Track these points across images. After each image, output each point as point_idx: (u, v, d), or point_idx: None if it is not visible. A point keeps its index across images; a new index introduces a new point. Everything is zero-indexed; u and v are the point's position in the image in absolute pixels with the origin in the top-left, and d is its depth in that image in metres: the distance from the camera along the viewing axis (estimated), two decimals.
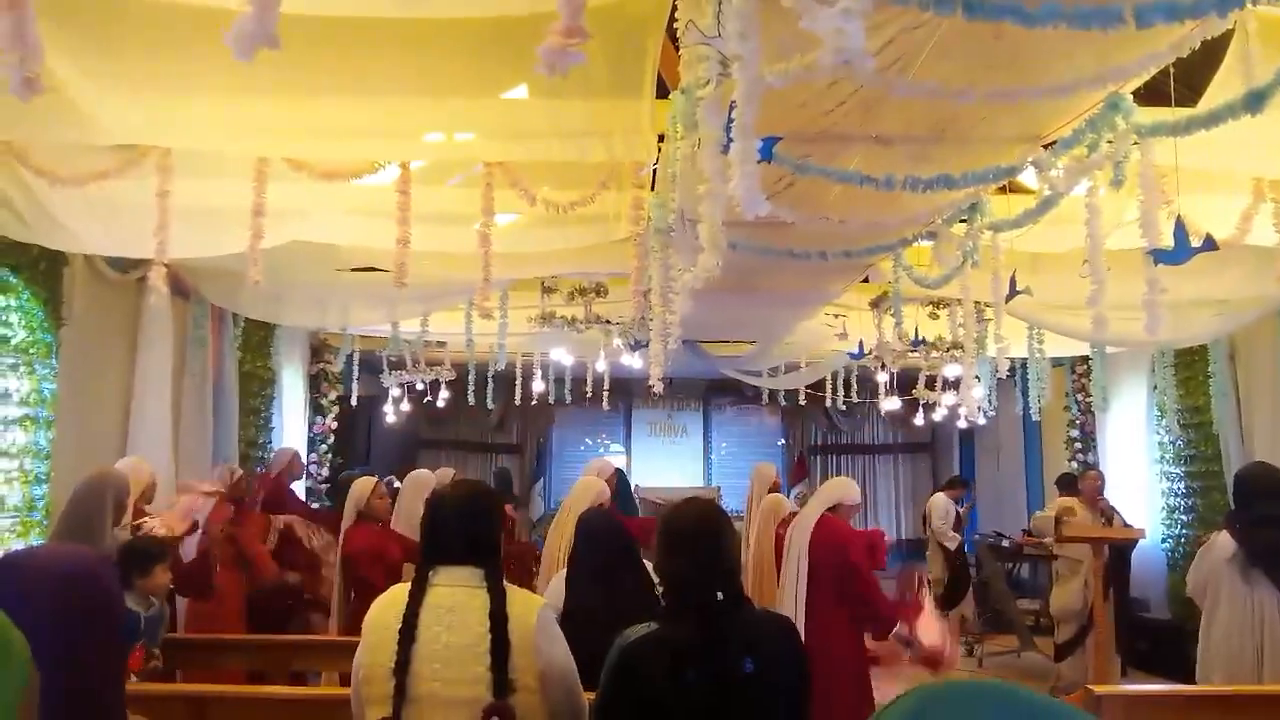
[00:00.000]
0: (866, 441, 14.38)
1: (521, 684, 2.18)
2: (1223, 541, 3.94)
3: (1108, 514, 7.10)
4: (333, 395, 9.73)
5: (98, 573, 1.75)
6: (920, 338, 7.17)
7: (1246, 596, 3.79)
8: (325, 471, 9.50)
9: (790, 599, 4.31)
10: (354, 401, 9.27)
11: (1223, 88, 3.07)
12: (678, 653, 2.15)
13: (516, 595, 2.30)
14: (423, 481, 5.80)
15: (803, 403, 11.16)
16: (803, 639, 4.02)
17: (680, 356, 8.14)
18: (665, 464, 13.71)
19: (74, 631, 1.65)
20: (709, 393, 14.08)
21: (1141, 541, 6.84)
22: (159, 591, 3.70)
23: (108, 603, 1.75)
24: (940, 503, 9.34)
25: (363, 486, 5.03)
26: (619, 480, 7.85)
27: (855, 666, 4.32)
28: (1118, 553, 6.70)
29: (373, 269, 5.95)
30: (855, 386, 9.98)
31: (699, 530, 2.32)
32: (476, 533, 2.36)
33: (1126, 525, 7.19)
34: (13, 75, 1.48)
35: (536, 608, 2.31)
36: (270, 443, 8.05)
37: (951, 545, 9.13)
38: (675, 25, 2.43)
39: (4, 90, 1.55)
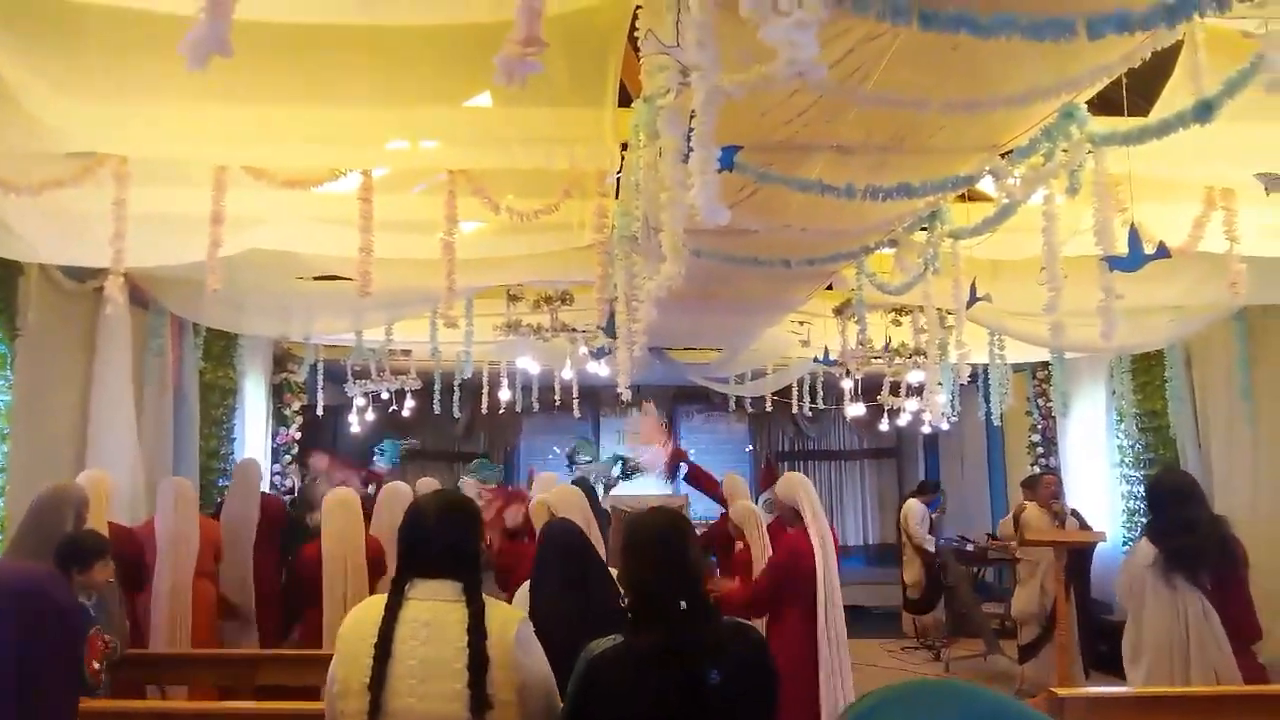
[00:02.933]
0: (833, 447, 14.46)
1: (499, 699, 2.15)
2: (1143, 548, 4.01)
3: (1062, 516, 7.20)
4: (296, 405, 9.63)
5: (48, 589, 1.72)
6: (888, 342, 7.25)
7: (1170, 600, 3.85)
8: (289, 482, 9.39)
9: (839, 613, 4.33)
10: (319, 411, 9.18)
11: (1173, 97, 3.13)
12: (644, 663, 2.15)
13: (495, 609, 2.27)
14: (402, 493, 5.79)
15: (770, 409, 11.21)
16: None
17: (647, 364, 8.15)
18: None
19: (27, 648, 1.62)
20: (676, 400, 14.09)
21: (1102, 544, 6.93)
22: (97, 587, 3.68)
23: (60, 618, 1.72)
24: (916, 508, 9.50)
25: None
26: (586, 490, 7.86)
27: None
28: (1077, 555, 6.78)
29: (336, 277, 5.91)
30: (821, 393, 10.04)
31: (663, 540, 2.31)
32: (457, 545, 2.32)
33: (1085, 527, 7.29)
34: None
35: (516, 621, 2.28)
36: (233, 454, 7.95)
37: (930, 548, 9.25)
38: (636, 34, 2.44)
39: None
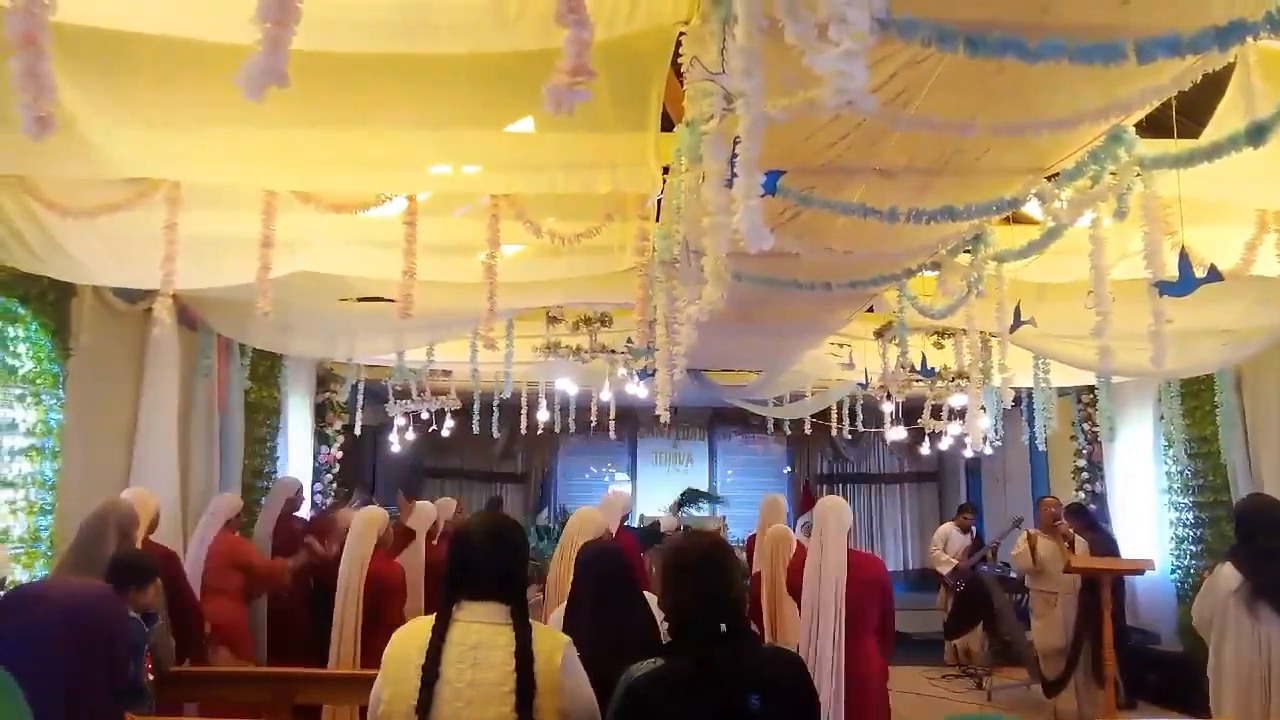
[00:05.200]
0: (873, 471, 14.33)
1: None
2: (1227, 573, 3.93)
3: (1069, 538, 6.97)
4: (338, 424, 9.73)
5: (106, 606, 1.75)
6: (929, 366, 7.18)
7: (1253, 629, 3.77)
8: (330, 501, 9.48)
9: (829, 635, 4.28)
10: (358, 431, 9.26)
11: (1225, 120, 3.08)
12: (683, 688, 2.14)
13: (541, 633, 2.28)
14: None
15: (808, 432, 11.13)
16: (843, 673, 4.10)
17: (686, 385, 8.15)
18: (671, 493, 13.67)
19: (80, 663, 1.64)
20: (714, 421, 14.06)
21: (1150, 573, 6.78)
22: (149, 608, 3.73)
23: (113, 635, 1.75)
24: (940, 531, 9.50)
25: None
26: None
27: (885, 695, 4.48)
28: (1090, 583, 6.59)
29: (379, 299, 5.98)
30: (861, 416, 9.96)
31: (702, 563, 2.30)
32: (505, 567, 2.33)
33: (1107, 551, 7.09)
34: (25, 114, 1.50)
35: (562, 645, 2.28)
36: (275, 472, 8.05)
37: (944, 570, 9.20)
38: (680, 60, 2.46)
39: (16, 127, 1.57)
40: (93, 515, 4.06)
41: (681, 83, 2.49)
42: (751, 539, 6.81)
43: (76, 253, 4.33)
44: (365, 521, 4.94)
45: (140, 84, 3.19)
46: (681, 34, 2.45)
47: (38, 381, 4.96)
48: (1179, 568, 8.15)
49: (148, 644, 3.44)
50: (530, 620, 2.27)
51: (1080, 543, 6.90)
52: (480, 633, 2.22)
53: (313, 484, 9.36)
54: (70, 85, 3.08)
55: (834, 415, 10.11)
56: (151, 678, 3.34)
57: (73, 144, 3.28)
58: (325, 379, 9.60)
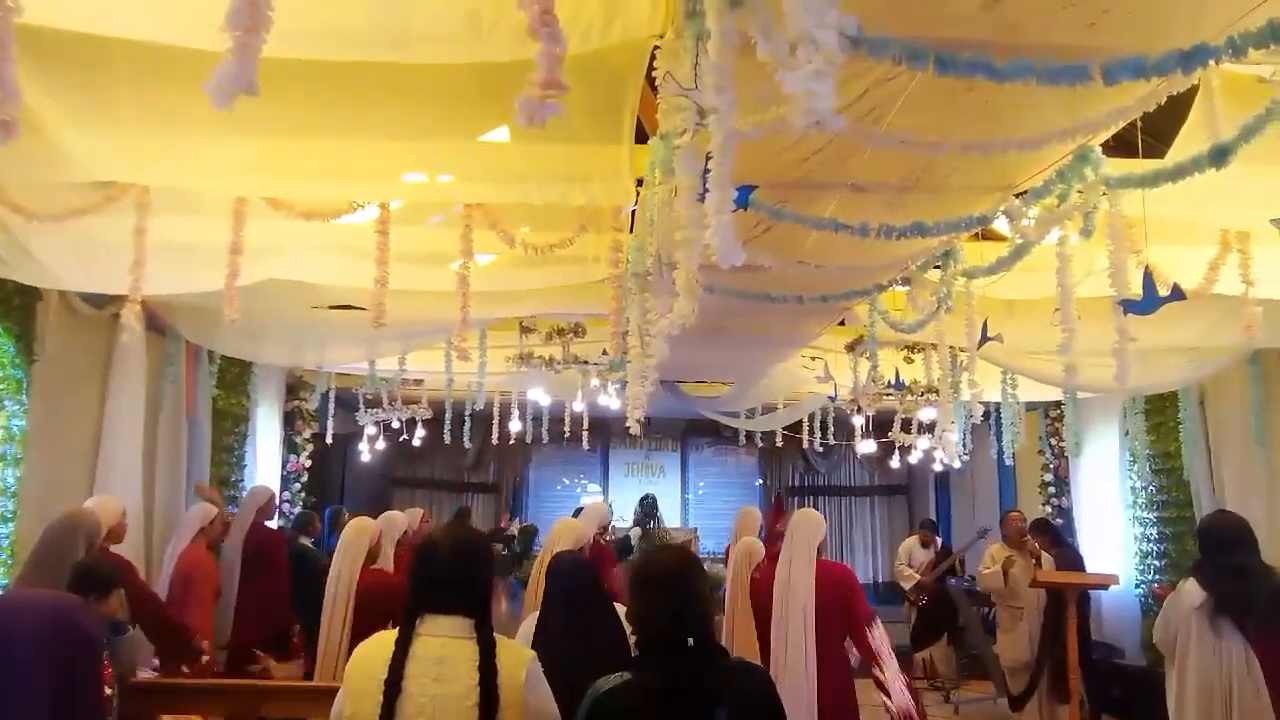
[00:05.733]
0: (843, 483, 14.39)
1: None
2: (1190, 589, 3.97)
3: (1036, 554, 6.94)
4: (307, 433, 9.65)
5: (80, 617, 1.72)
6: (900, 380, 7.23)
7: (1214, 645, 3.82)
8: (298, 510, 9.38)
9: (799, 647, 4.28)
10: (329, 439, 9.19)
11: (1189, 141, 3.14)
12: (649, 703, 2.13)
13: (506, 647, 2.26)
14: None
15: (780, 444, 11.19)
16: (815, 687, 4.09)
17: (658, 397, 8.15)
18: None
19: (58, 676, 1.61)
20: (687, 433, 14.08)
21: (1115, 587, 6.84)
22: (112, 615, 3.67)
23: (89, 646, 1.71)
24: (904, 546, 9.90)
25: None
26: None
27: (855, 708, 4.44)
28: (1055, 597, 6.63)
29: (350, 307, 5.95)
30: (832, 428, 10.02)
31: (671, 577, 2.30)
32: (470, 581, 2.31)
33: (1072, 566, 7.14)
34: None
35: (526, 660, 2.27)
36: (243, 480, 7.96)
37: (907, 585, 9.33)
38: (654, 73, 2.47)
39: None
40: (57, 525, 4.00)
41: (656, 95, 2.50)
42: (729, 550, 6.82)
43: (43, 257, 4.28)
44: (356, 530, 4.89)
45: (111, 88, 3.16)
46: (656, 48, 2.46)
47: (1, 387, 4.88)
48: (1143, 582, 8.24)
49: (107, 653, 3.38)
50: (495, 635, 2.25)
51: (1046, 558, 6.94)
52: (444, 647, 2.20)
53: (281, 492, 9.27)
54: (39, 89, 3.05)
55: (805, 427, 10.16)
56: (110, 691, 3.27)
57: (40, 147, 3.24)
58: (295, 386, 9.52)
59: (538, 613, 3.34)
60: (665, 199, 2.68)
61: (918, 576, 9.44)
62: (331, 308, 6.11)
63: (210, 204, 4.05)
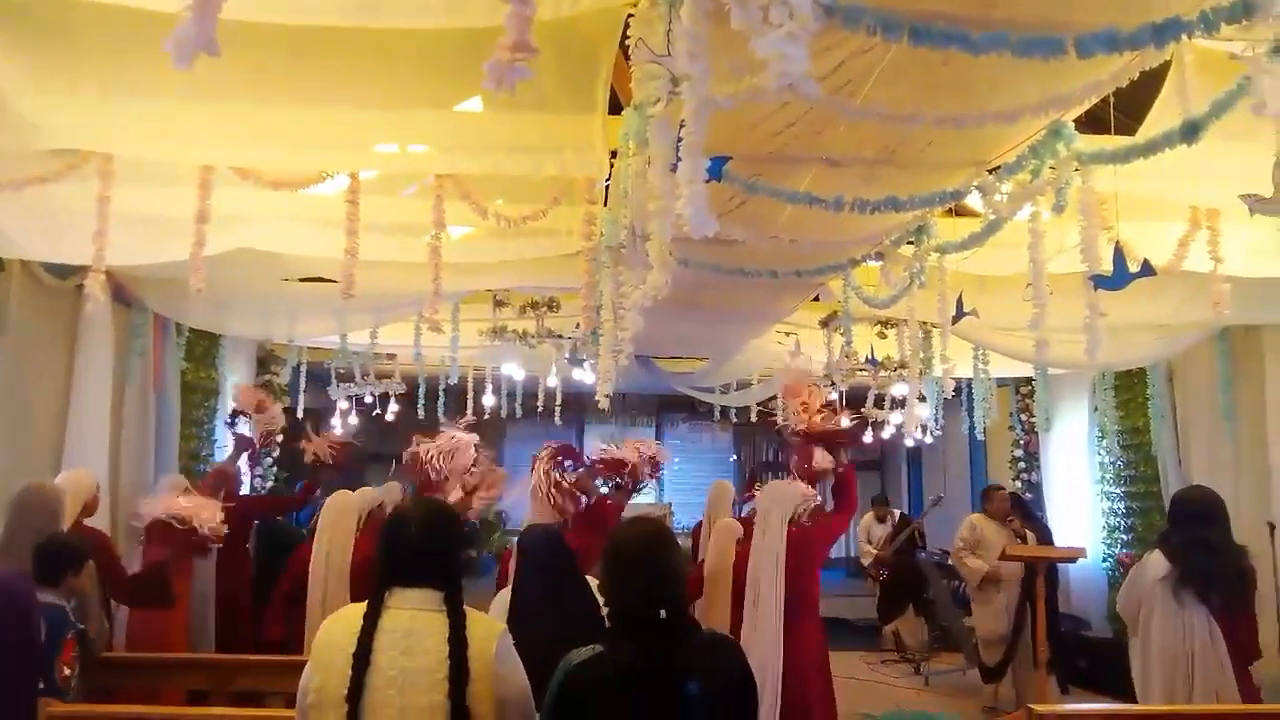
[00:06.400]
0: None
1: (478, 711, 2.13)
2: (1155, 561, 4.03)
3: (1021, 533, 7.05)
4: (278, 407, 9.55)
5: (15, 590, 1.68)
6: (873, 356, 7.26)
7: (1177, 615, 3.88)
8: (269, 485, 9.32)
9: (768, 619, 4.32)
10: (300, 414, 9.11)
11: (1161, 117, 3.15)
12: (621, 675, 2.13)
13: (476, 620, 2.24)
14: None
15: (754, 420, 11.22)
16: (782, 658, 4.13)
17: (633, 372, 8.15)
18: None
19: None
20: (661, 409, 14.09)
21: (1082, 560, 6.94)
22: (82, 591, 3.64)
23: (24, 619, 1.68)
24: (862, 523, 10.20)
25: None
26: None
27: (827, 680, 4.53)
28: (1033, 571, 6.73)
29: (321, 279, 5.88)
30: None
31: (644, 550, 2.30)
32: (439, 553, 2.29)
33: (1045, 542, 7.26)
34: None
35: (496, 634, 2.25)
36: (213, 455, 7.88)
37: (866, 561, 9.50)
38: (628, 42, 2.44)
39: None
40: (32, 497, 3.95)
41: (630, 65, 2.47)
42: (698, 526, 6.84)
43: (4, 225, 4.19)
44: (338, 508, 4.85)
45: (73, 51, 3.09)
46: (630, 15, 2.44)
47: None
48: (1110, 556, 8.37)
49: (72, 632, 3.34)
50: (465, 607, 2.24)
51: (1030, 537, 7.06)
52: (413, 619, 2.18)
53: (253, 468, 9.19)
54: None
55: (779, 403, 10.18)
56: (69, 671, 3.22)
57: (1, 113, 3.17)
58: (265, 360, 9.41)
59: (509, 587, 3.34)
60: (639, 170, 2.66)
61: (874, 552, 9.59)
62: (302, 280, 6.04)
63: (175, 172, 3.98)
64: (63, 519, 4.03)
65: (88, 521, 4.56)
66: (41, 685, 3.04)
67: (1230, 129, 2.63)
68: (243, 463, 6.87)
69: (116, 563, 4.64)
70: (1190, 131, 2.56)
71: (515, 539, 3.70)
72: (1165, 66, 2.90)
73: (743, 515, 5.53)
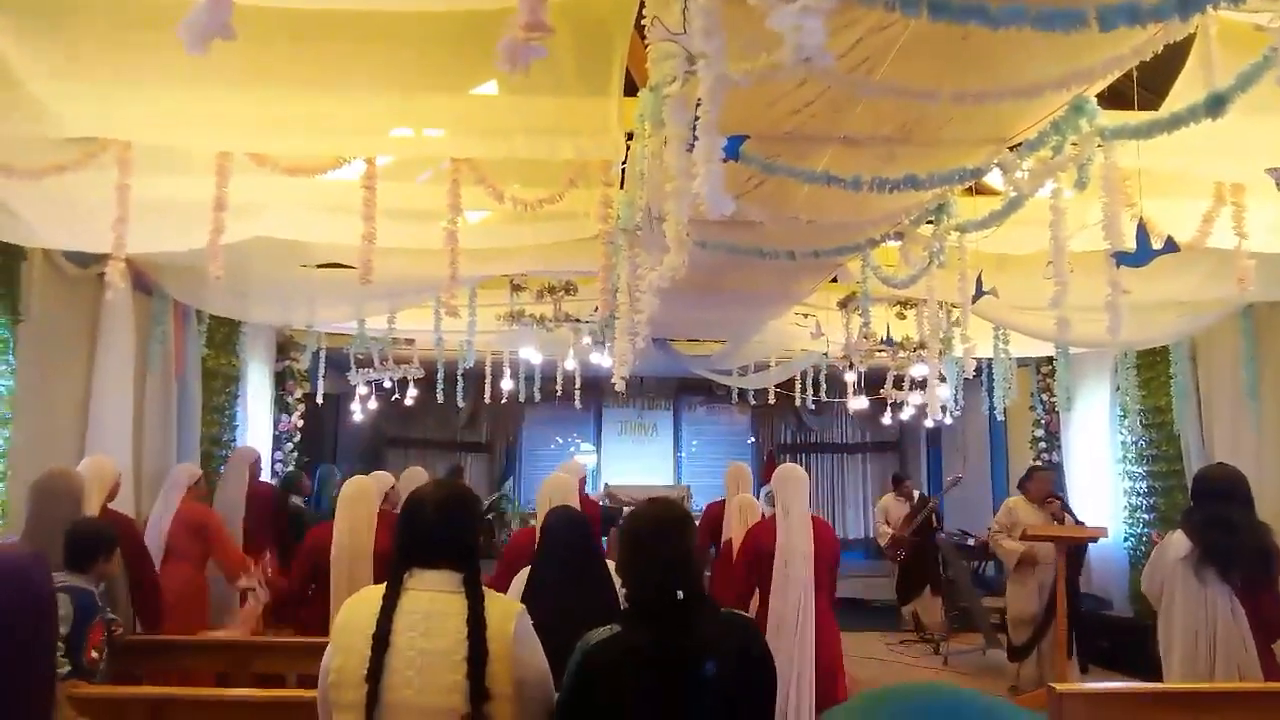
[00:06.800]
0: (835, 440, 14.45)
1: (497, 692, 2.13)
2: (1177, 540, 4.00)
3: (1059, 517, 7.01)
4: (298, 393, 9.62)
5: (30, 574, 1.68)
6: (891, 337, 7.22)
7: (1199, 594, 3.86)
8: (289, 470, 9.39)
9: (795, 602, 4.35)
10: (320, 399, 9.17)
11: (1185, 91, 3.11)
12: (639, 655, 2.14)
13: (495, 601, 2.24)
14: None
15: (772, 402, 11.19)
16: (814, 641, 4.16)
17: (651, 355, 8.14)
18: (635, 463, 13.71)
19: (3, 632, 1.57)
20: (679, 391, 14.08)
21: (1104, 540, 6.90)
22: (111, 576, 3.70)
23: (38, 603, 1.67)
24: (880, 504, 10.22)
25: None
26: None
27: (841, 659, 4.63)
28: (1070, 551, 6.71)
29: (339, 265, 5.89)
30: (824, 386, 10.03)
31: (661, 531, 2.30)
32: (458, 535, 2.29)
33: (1078, 523, 7.23)
34: None
35: (515, 614, 2.25)
36: (234, 440, 7.95)
37: (883, 543, 9.46)
38: (644, 22, 2.42)
39: None
40: (54, 484, 4.00)
41: (645, 45, 2.45)
42: (710, 506, 6.85)
43: (24, 214, 4.22)
44: (358, 491, 4.87)
45: (90, 39, 3.10)
46: None
47: None
48: (1132, 535, 8.32)
49: (100, 616, 3.38)
50: (484, 588, 2.25)
51: (1069, 522, 7.03)
52: (432, 601, 2.19)
53: (273, 452, 9.26)
54: (16, 41, 2.99)
55: (797, 385, 10.17)
56: (96, 653, 3.27)
57: (19, 101, 3.18)
58: (285, 346, 9.48)
59: (529, 566, 3.36)
60: (655, 151, 2.65)
61: (891, 533, 9.60)
62: (319, 266, 6.06)
63: (193, 160, 3.99)
64: (84, 505, 4.08)
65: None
66: (70, 668, 3.10)
67: (1256, 103, 2.59)
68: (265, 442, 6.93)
69: (143, 548, 4.69)
70: (1215, 105, 2.52)
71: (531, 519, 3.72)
72: (1189, 40, 2.85)
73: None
